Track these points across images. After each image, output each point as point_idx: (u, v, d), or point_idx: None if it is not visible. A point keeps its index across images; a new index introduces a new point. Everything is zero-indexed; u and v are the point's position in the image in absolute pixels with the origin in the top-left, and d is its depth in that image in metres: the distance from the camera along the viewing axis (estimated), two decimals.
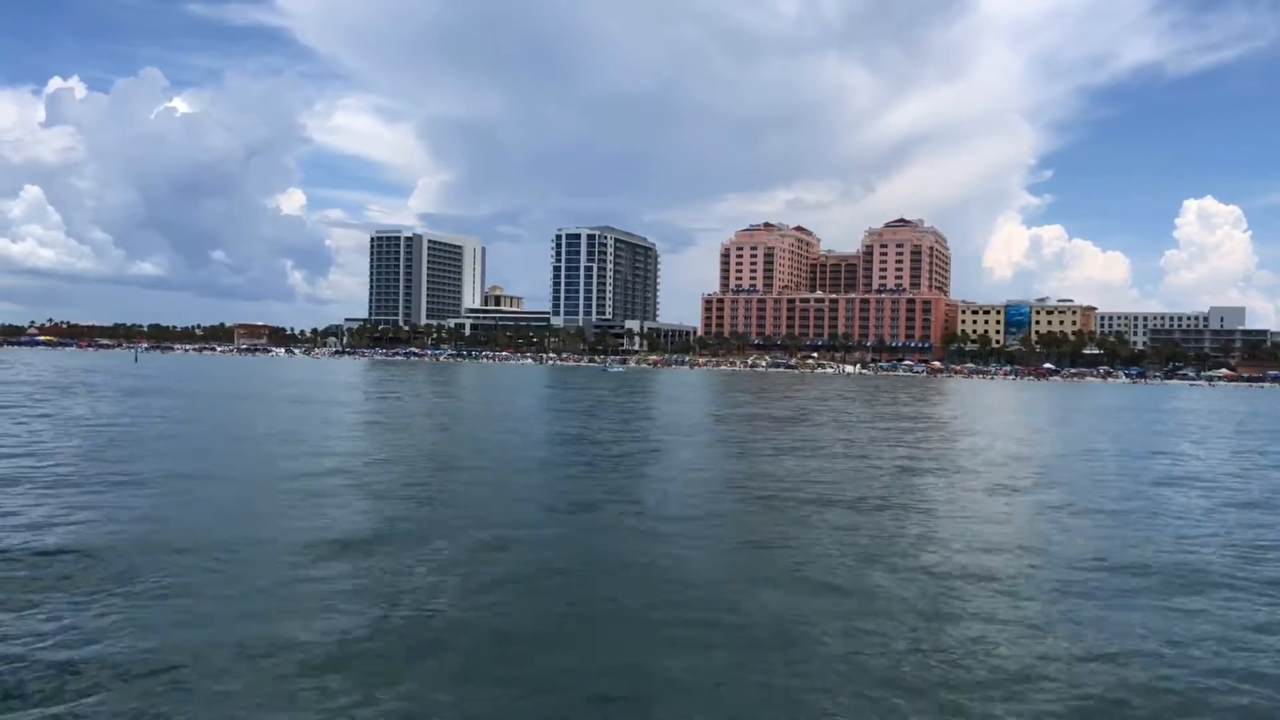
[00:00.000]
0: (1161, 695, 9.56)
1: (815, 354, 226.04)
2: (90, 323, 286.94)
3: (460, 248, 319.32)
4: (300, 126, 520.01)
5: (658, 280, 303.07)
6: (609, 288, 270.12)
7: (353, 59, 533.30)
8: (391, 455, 28.30)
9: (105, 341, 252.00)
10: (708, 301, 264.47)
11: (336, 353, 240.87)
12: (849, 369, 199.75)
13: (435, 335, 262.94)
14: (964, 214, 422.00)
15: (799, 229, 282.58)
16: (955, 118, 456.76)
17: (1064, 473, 28.28)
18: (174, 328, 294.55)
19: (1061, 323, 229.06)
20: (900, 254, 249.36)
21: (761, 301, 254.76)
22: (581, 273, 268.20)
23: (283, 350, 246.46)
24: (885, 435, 40.60)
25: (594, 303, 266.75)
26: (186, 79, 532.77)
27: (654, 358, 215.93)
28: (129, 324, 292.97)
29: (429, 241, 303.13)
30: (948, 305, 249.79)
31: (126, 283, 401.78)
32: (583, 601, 12.58)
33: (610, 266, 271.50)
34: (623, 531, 17.31)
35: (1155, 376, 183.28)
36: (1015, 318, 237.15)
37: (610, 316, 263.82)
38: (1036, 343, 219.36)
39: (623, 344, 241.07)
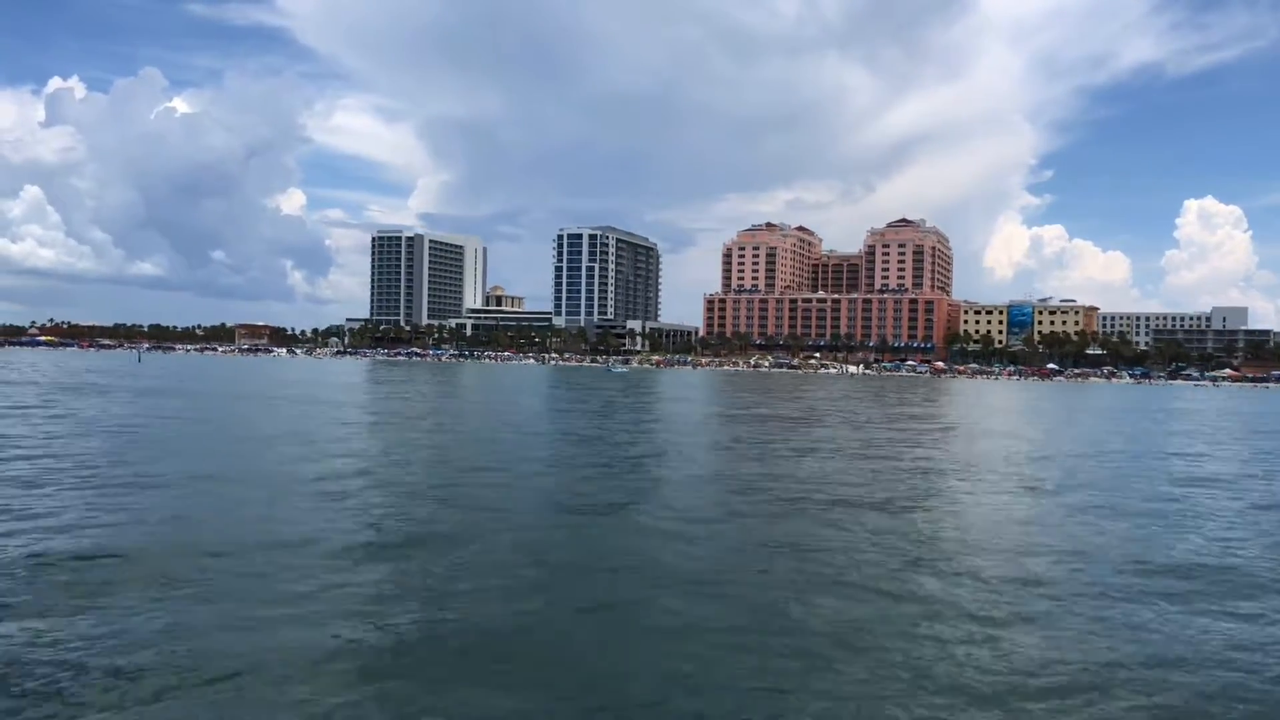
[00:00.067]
0: (1239, 703, 9.40)
1: (817, 354, 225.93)
2: (90, 323, 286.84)
3: (461, 248, 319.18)
4: (300, 126, 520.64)
5: (659, 280, 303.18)
6: (610, 288, 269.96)
7: (353, 59, 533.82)
8: (411, 456, 28.15)
9: (106, 342, 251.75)
10: (710, 301, 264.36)
11: (338, 353, 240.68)
12: (852, 369, 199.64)
13: (437, 335, 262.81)
14: (964, 214, 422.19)
15: (801, 229, 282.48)
16: (955, 118, 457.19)
17: (1086, 474, 28.12)
18: (174, 328, 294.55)
19: (1064, 323, 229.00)
20: (902, 254, 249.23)
21: (763, 302, 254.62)
22: (583, 273, 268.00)
23: (284, 350, 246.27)
24: (901, 436, 40.45)
25: (595, 303, 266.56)
26: (186, 79, 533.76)
27: (656, 358, 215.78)
28: (129, 324, 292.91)
29: (430, 241, 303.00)
30: (950, 305, 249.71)
31: (126, 283, 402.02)
32: (628, 606, 12.41)
33: (612, 266, 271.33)
34: (657, 535, 17.14)
35: (1159, 377, 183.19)
36: (1018, 318, 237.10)
37: (612, 316, 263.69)
38: (1039, 343, 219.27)
39: (624, 344, 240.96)
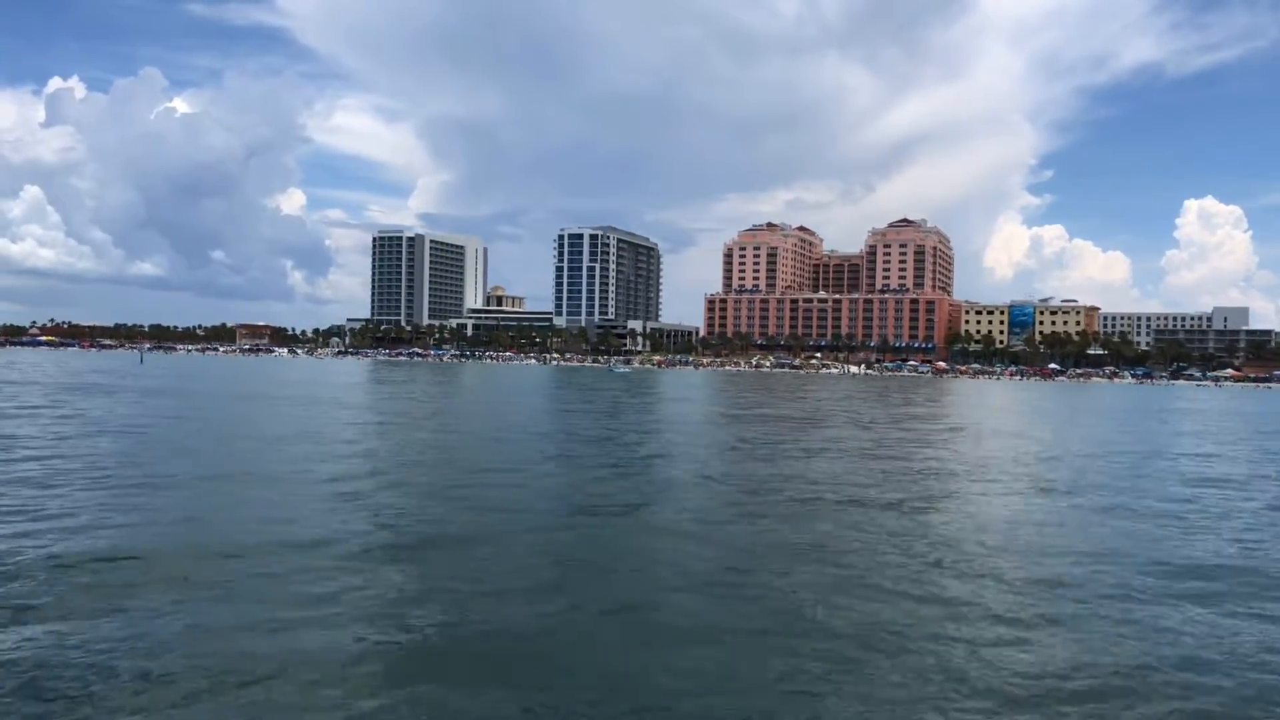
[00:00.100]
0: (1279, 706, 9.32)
1: (819, 354, 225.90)
2: (91, 323, 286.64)
3: (462, 248, 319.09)
4: (300, 126, 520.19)
5: (660, 280, 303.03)
6: (611, 288, 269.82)
7: (353, 59, 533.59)
8: (422, 456, 28.07)
9: (108, 342, 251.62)
10: (711, 301, 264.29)
11: (339, 353, 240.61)
12: (854, 369, 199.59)
13: (438, 335, 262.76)
14: (964, 214, 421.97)
15: (802, 229, 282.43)
16: (955, 118, 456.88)
17: (1098, 474, 28.04)
18: (175, 328, 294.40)
19: (1065, 323, 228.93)
20: (904, 254, 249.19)
21: (764, 302, 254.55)
22: (584, 273, 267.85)
23: (286, 350, 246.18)
24: (909, 436, 40.38)
25: (596, 303, 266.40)
26: (186, 79, 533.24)
27: (658, 358, 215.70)
28: (130, 324, 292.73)
29: (431, 242, 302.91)
30: (951, 305, 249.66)
31: (126, 283, 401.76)
32: (650, 608, 12.31)
33: (613, 266, 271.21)
34: (673, 535, 17.07)
35: (1161, 377, 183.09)
36: (1019, 318, 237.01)
37: (613, 317, 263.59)
38: (1040, 343, 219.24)
39: (625, 344, 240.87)
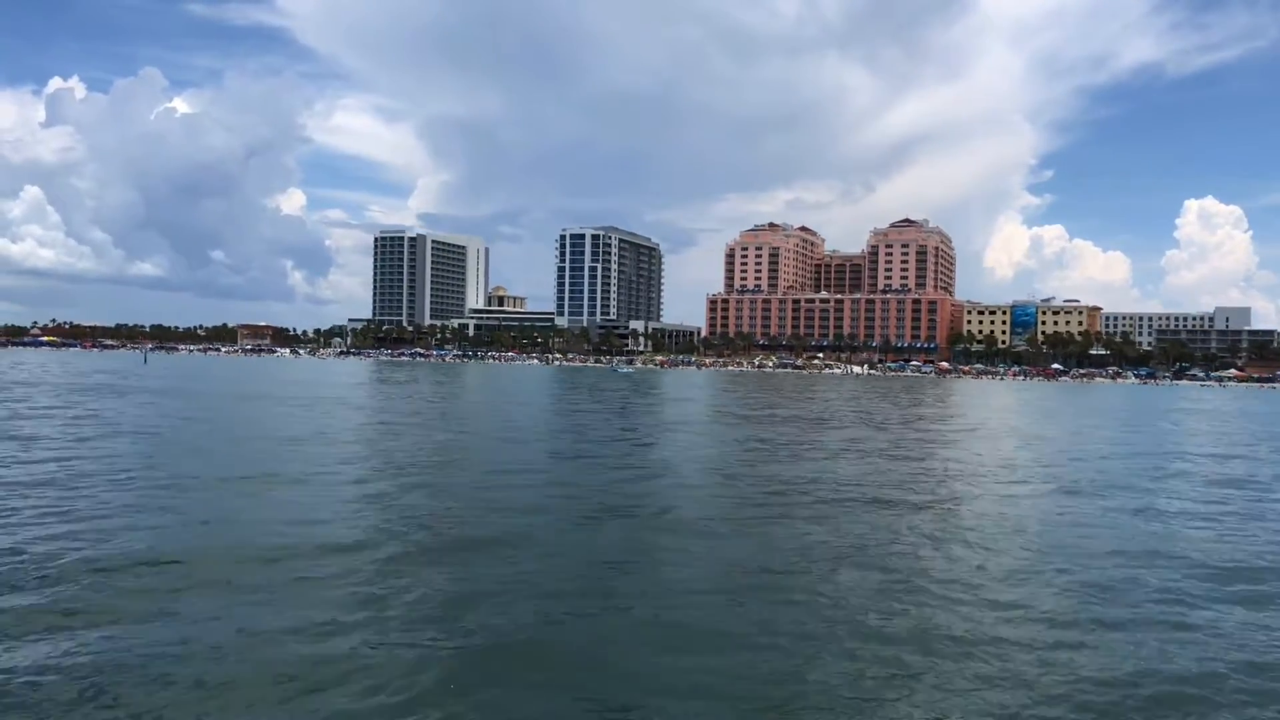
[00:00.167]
0: None
1: (821, 354, 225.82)
2: (91, 323, 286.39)
3: (463, 248, 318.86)
4: (300, 126, 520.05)
5: (662, 280, 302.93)
6: (613, 288, 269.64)
7: (353, 59, 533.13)
8: (442, 457, 27.90)
9: (109, 342, 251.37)
10: (712, 301, 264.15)
11: (341, 353, 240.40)
12: (856, 369, 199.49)
13: (440, 336, 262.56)
14: (964, 214, 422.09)
15: (803, 229, 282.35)
16: (955, 118, 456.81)
17: (1123, 475, 27.89)
18: (176, 328, 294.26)
19: (1068, 323, 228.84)
20: (905, 254, 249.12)
21: (766, 302, 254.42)
22: (586, 273, 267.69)
23: (288, 351, 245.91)
24: (927, 437, 40.26)
25: (598, 303, 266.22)
26: (186, 79, 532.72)
27: (660, 358, 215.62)
28: (130, 324, 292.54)
29: (432, 242, 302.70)
30: (953, 305, 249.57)
31: (126, 283, 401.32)
32: (698, 610, 12.14)
33: (614, 266, 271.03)
34: (710, 537, 16.92)
35: (1164, 377, 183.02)
36: (1021, 318, 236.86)
37: (614, 317, 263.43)
38: (1043, 343, 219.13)
39: (627, 344, 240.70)
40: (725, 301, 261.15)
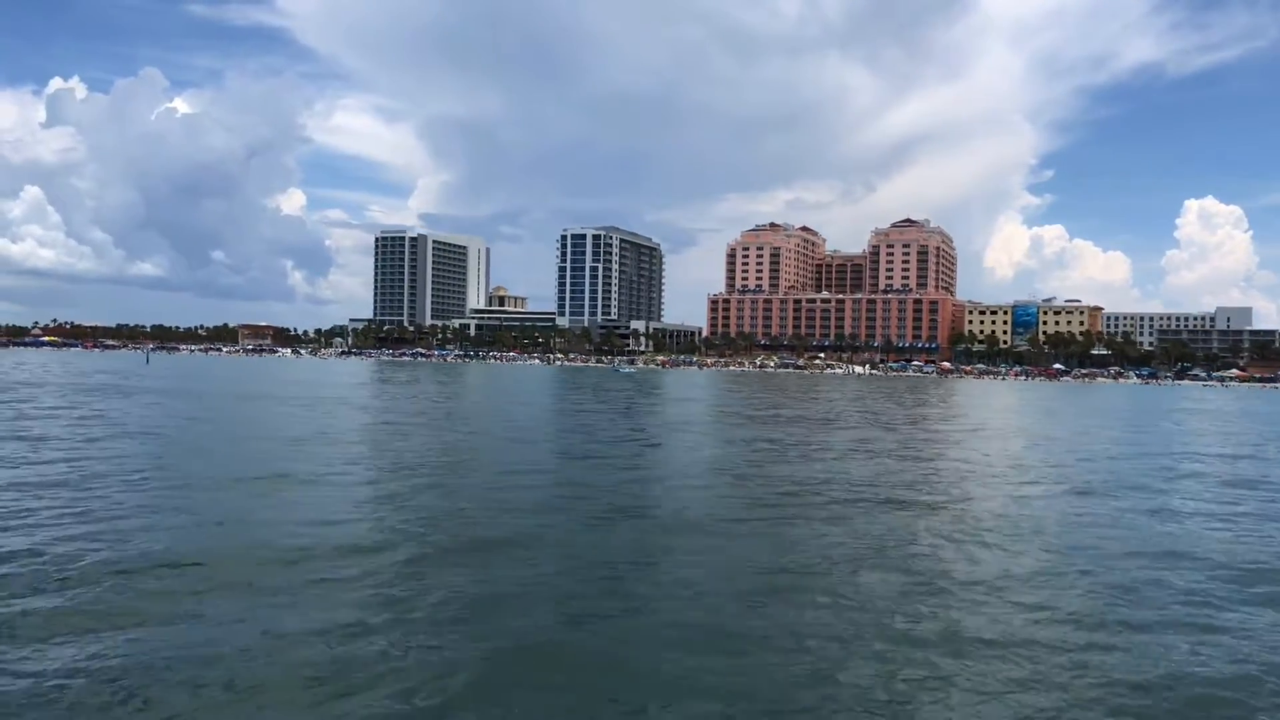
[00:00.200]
0: None
1: (822, 354, 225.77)
2: (92, 323, 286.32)
3: (465, 248, 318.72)
4: (300, 126, 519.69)
5: (663, 280, 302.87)
6: (614, 288, 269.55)
7: (353, 59, 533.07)
8: (451, 458, 27.84)
9: (110, 342, 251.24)
10: (713, 302, 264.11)
11: (343, 353, 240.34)
12: (858, 370, 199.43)
13: (441, 336, 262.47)
14: (965, 214, 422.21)
15: (804, 229, 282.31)
16: (956, 118, 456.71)
17: (1135, 476, 27.81)
18: (177, 328, 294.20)
19: (1069, 323, 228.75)
20: (907, 254, 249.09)
21: (768, 302, 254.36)
22: (587, 273, 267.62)
23: (289, 351, 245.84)
24: (935, 436, 40.19)
25: (599, 303, 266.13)
26: (187, 79, 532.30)
27: (662, 358, 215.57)
28: (131, 324, 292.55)
29: (434, 242, 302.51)
30: (954, 305, 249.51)
31: (127, 283, 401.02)
32: (727, 614, 12.07)
33: (615, 267, 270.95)
34: (727, 537, 16.83)
35: (1166, 377, 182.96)
36: (1023, 318, 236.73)
37: (615, 317, 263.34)
38: (1044, 343, 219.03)
39: (628, 344, 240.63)
40: (726, 301, 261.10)
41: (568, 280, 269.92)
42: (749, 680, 9.72)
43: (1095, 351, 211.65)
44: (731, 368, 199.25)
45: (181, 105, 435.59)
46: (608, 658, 10.40)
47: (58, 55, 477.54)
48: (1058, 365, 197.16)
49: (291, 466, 24.23)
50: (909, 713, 9.03)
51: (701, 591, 13.14)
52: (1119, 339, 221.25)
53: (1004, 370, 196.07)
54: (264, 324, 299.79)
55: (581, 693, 9.36)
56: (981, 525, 18.57)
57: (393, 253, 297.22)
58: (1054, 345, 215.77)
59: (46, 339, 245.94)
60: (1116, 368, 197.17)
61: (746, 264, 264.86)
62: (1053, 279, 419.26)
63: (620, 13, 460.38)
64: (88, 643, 9.96)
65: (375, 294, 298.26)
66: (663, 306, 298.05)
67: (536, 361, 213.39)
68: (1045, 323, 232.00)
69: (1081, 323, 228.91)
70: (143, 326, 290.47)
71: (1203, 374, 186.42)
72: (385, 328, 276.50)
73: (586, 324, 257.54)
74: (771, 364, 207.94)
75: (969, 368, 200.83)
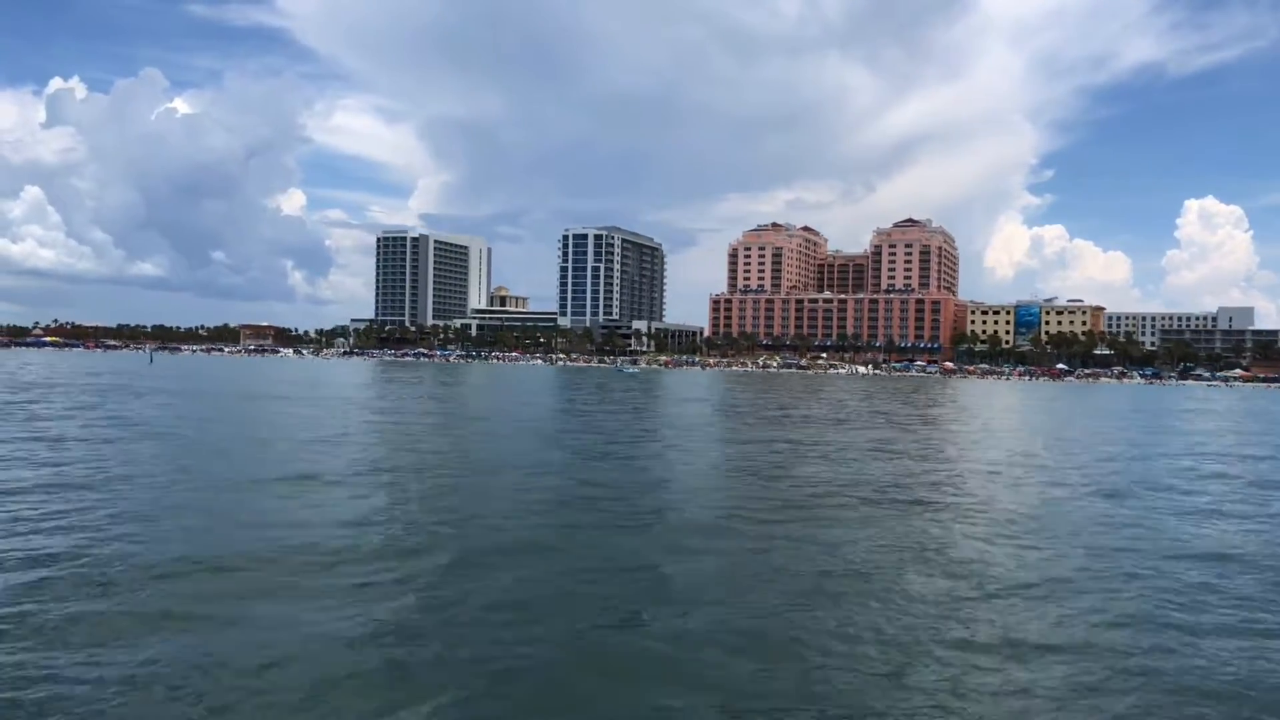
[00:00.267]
0: None
1: (824, 354, 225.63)
2: (93, 323, 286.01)
3: (466, 248, 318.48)
4: (300, 127, 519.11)
5: (664, 280, 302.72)
6: (616, 288, 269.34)
7: (353, 59, 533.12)
8: (472, 460, 27.68)
9: (112, 342, 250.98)
10: (715, 302, 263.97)
11: (345, 353, 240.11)
12: (861, 369, 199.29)
13: (443, 336, 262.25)
14: (965, 214, 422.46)
15: (806, 229, 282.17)
16: (956, 118, 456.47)
17: (1162, 476, 27.64)
18: (178, 328, 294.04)
19: (1071, 323, 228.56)
20: (909, 254, 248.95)
21: (769, 302, 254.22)
22: (588, 273, 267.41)
23: (291, 351, 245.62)
24: (951, 436, 40.03)
25: (601, 303, 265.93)
26: (187, 79, 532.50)
27: (664, 358, 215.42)
28: (132, 325, 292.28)
29: (435, 242, 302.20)
30: (957, 305, 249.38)
31: (127, 283, 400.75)
32: (771, 617, 11.90)
33: (617, 267, 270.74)
34: (762, 540, 16.66)
35: (1170, 377, 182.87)
36: (1025, 318, 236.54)
37: (617, 317, 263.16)
38: (1047, 343, 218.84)
39: (630, 345, 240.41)
40: (728, 301, 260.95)
41: (569, 280, 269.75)
42: (816, 686, 9.56)
43: (1098, 352, 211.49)
44: (734, 368, 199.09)
45: (181, 105, 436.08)
46: (663, 661, 10.23)
47: (58, 55, 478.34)
48: (1061, 365, 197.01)
49: (316, 468, 24.07)
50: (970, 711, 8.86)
51: (746, 593, 12.99)
52: (1122, 339, 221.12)
53: (1007, 370, 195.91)
54: (265, 324, 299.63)
55: (643, 695, 9.18)
56: (1017, 527, 18.42)
57: (394, 253, 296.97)
58: (1057, 345, 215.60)
59: (48, 339, 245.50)
60: (1120, 368, 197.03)
61: (748, 264, 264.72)
62: (1053, 279, 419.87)
63: (620, 13, 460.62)
64: (141, 648, 9.79)
65: (377, 294, 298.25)
66: (664, 306, 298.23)
67: (539, 362, 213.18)
68: (1048, 323, 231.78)
69: (1084, 323, 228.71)
70: (143, 327, 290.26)
71: (1206, 374, 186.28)
72: (387, 328, 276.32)
73: (588, 324, 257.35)
74: (774, 364, 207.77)
75: (972, 368, 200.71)
